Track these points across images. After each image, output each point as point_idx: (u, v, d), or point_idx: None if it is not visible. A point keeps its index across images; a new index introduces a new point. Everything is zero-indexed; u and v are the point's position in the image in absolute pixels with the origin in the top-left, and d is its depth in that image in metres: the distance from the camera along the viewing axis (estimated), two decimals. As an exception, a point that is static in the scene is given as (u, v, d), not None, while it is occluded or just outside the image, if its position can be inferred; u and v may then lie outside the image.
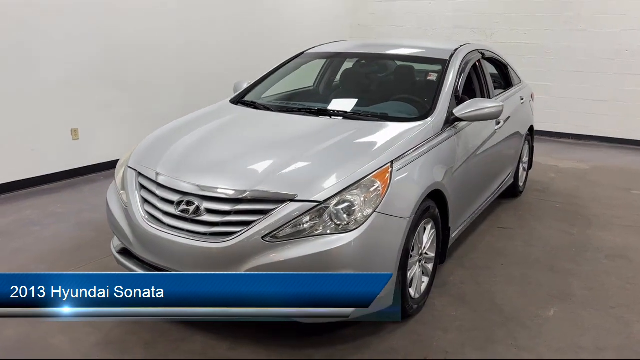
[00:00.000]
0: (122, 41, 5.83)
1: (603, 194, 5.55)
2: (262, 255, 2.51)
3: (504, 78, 5.11)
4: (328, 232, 2.53)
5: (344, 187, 2.60)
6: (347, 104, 3.80)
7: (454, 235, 3.57)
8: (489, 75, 4.38)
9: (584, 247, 4.17)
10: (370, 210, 2.59)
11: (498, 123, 4.13)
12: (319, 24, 8.89)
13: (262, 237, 2.51)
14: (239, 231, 2.54)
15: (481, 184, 4.00)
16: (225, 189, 2.63)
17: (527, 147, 5.39)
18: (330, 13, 9.27)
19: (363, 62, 4.30)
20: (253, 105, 3.77)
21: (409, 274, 2.92)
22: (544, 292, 3.43)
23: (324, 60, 4.49)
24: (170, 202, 2.73)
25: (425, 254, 3.18)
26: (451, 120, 3.41)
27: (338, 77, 4.49)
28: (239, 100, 3.91)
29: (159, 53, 6.25)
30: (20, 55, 4.96)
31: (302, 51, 4.46)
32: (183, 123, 3.49)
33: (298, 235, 2.52)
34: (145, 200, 2.86)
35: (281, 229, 2.51)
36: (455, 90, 3.61)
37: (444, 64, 3.80)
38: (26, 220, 4.41)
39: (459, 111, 3.39)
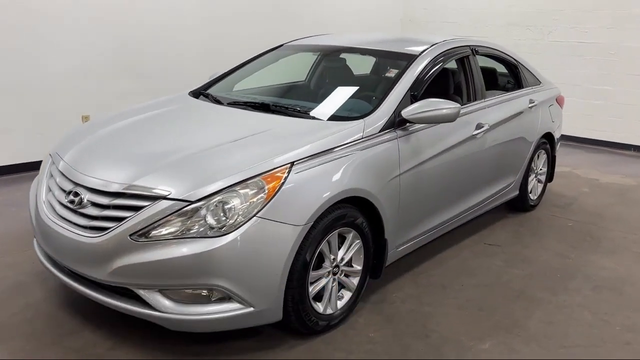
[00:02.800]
0: (141, 31, 5.92)
1: (634, 215, 4.87)
2: (129, 254, 2.36)
3: (515, 78, 4.61)
4: (200, 235, 2.34)
5: (224, 186, 2.40)
6: (299, 100, 3.58)
7: (401, 248, 3.25)
8: (479, 74, 3.95)
9: (572, 274, 3.64)
10: (251, 214, 2.37)
11: (480, 127, 3.71)
12: (366, 20, 8.61)
13: (130, 236, 2.36)
14: (112, 227, 2.42)
15: (451, 194, 3.60)
16: (106, 182, 2.52)
17: (543, 156, 4.84)
18: (378, 8, 8.93)
19: (337, 56, 4.03)
20: (208, 97, 3.63)
21: (311, 288, 2.66)
22: (492, 321, 3.01)
23: (312, 54, 4.26)
24: (64, 191, 2.67)
25: (351, 266, 2.90)
26: (397, 122, 3.09)
27: (313, 71, 4.25)
28: (201, 91, 3.79)
29: (178, 43, 6.29)
30: (36, 43, 5.17)
31: (281, 44, 4.26)
32: (121, 112, 3.41)
33: (167, 236, 2.35)
34: (50, 189, 2.82)
35: (150, 227, 2.36)
36: (414, 89, 3.26)
37: (410, 60, 3.46)
38: (10, 201, 4.58)
39: (406, 112, 3.06)
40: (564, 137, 7.92)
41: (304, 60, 4.17)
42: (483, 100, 3.90)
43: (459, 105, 3.12)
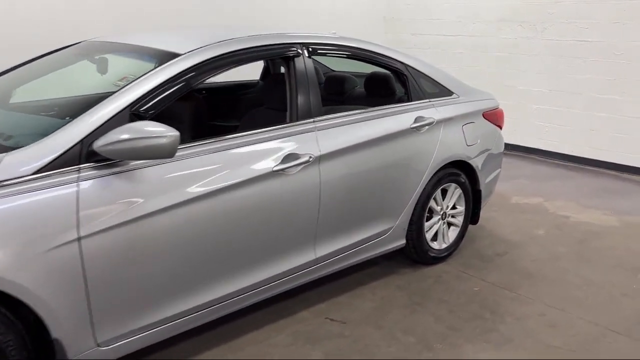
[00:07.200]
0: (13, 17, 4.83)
1: (580, 274, 3.51)
2: None
3: (403, 87, 3.40)
4: None
5: None
6: (54, 118, 2.55)
7: (113, 346, 2.18)
8: (312, 82, 2.80)
9: (414, 382, 2.44)
10: None
11: (294, 158, 2.58)
12: (345, 18, 7.52)
13: None
14: None
15: (230, 258, 2.46)
16: None
17: (456, 191, 3.58)
18: (358, 5, 7.81)
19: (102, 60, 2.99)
20: None
21: None
22: None
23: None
24: None
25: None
26: (87, 156, 2.03)
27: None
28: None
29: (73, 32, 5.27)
30: None
31: (80, 41, 3.25)
32: None
33: None
34: None
35: None
36: (148, 107, 2.19)
37: (164, 61, 2.38)
38: None
39: (99, 144, 2.01)
40: (560, 157, 6.50)
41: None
42: (312, 120, 2.75)
43: (176, 133, 2.02)
